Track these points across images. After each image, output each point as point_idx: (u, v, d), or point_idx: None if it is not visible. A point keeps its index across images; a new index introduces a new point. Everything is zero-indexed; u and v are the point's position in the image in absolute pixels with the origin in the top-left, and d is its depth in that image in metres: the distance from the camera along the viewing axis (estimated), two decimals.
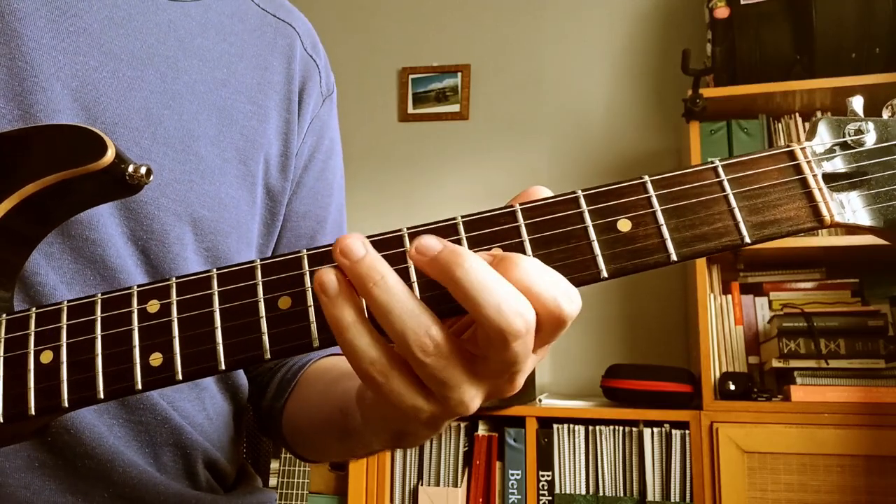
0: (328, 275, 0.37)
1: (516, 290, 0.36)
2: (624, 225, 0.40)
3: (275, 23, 0.73)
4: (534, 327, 0.36)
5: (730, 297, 2.03)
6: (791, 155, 0.41)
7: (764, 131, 2.09)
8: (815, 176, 0.40)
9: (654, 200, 0.40)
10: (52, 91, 0.55)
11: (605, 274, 0.39)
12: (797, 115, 2.09)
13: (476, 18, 2.67)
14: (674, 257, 0.39)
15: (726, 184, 0.40)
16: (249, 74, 0.68)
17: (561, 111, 2.55)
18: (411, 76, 2.68)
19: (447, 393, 0.38)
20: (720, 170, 0.40)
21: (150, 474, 0.57)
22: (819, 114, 2.07)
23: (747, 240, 0.39)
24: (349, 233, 0.38)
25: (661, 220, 0.40)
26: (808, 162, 0.41)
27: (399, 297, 0.36)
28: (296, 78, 0.72)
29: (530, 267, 0.36)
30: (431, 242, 0.37)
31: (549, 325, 0.37)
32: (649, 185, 0.40)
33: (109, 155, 0.44)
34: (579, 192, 0.41)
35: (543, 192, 0.41)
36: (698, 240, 0.39)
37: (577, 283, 0.39)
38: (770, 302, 2.02)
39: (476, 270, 0.35)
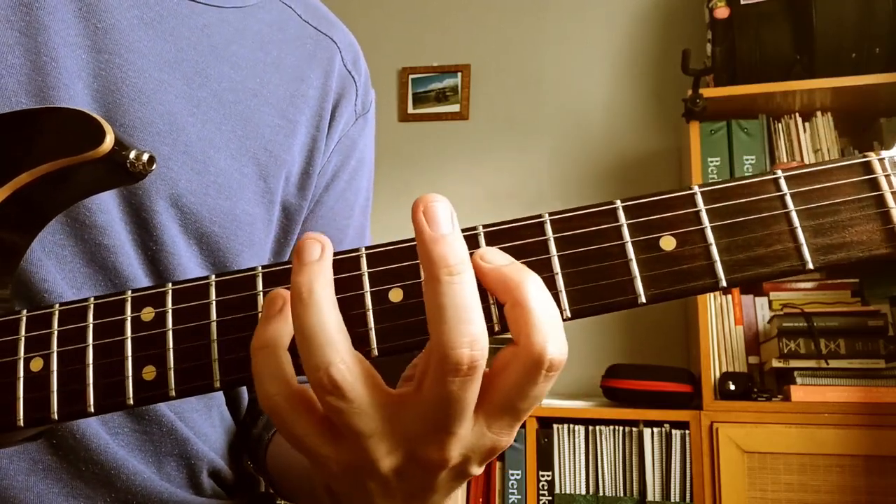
0: (279, 291, 0.35)
1: (482, 323, 0.33)
2: (667, 243, 0.35)
3: (316, 35, 0.70)
4: (478, 369, 0.32)
5: (730, 297, 2.02)
6: (867, 167, 0.36)
7: (764, 131, 2.09)
8: (893, 193, 0.35)
9: (704, 215, 0.35)
10: (74, 89, 0.53)
11: (643, 299, 0.35)
12: (797, 115, 2.08)
13: (476, 18, 2.67)
14: (723, 283, 0.34)
15: (789, 199, 0.35)
16: (283, 86, 0.65)
17: (561, 111, 2.55)
18: (411, 76, 2.68)
19: (357, 442, 0.35)
20: (782, 182, 0.35)
21: (155, 482, 0.56)
22: (819, 114, 2.07)
23: (810, 265, 0.34)
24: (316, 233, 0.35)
25: (711, 238, 0.35)
26: (888, 176, 0.35)
27: (317, 317, 0.33)
28: (331, 94, 0.69)
29: (539, 290, 0.33)
30: (443, 216, 0.33)
31: (519, 366, 0.34)
32: (699, 198, 0.36)
33: (108, 141, 0.41)
34: (618, 203, 0.36)
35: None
36: (753, 263, 0.35)
37: (612, 308, 0.35)
38: (770, 302, 2.02)
39: (463, 283, 0.32)
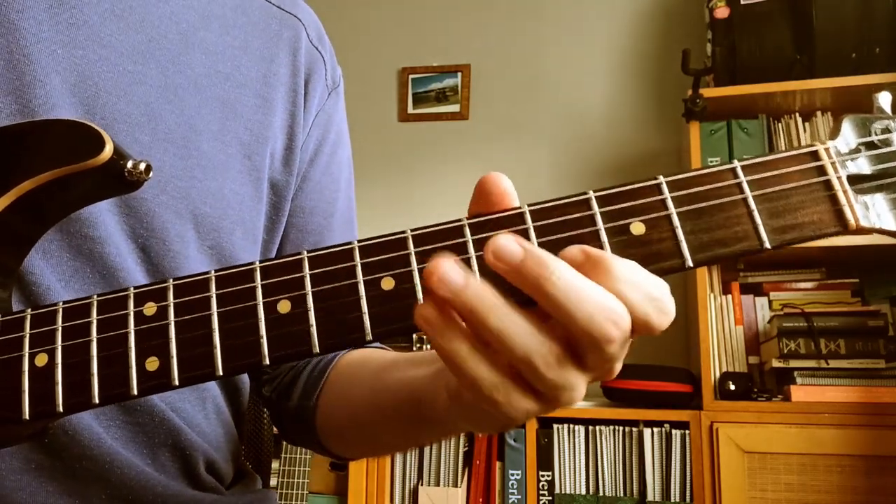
0: (428, 309, 0.35)
1: (608, 295, 0.35)
2: (637, 228, 0.38)
3: (280, 14, 0.71)
4: (629, 329, 0.35)
5: (730, 297, 2.02)
6: (814, 155, 0.39)
7: (764, 131, 2.09)
8: (839, 178, 0.39)
9: (670, 203, 0.38)
10: (51, 85, 0.53)
11: None
12: (797, 115, 2.09)
13: (476, 18, 2.67)
14: (689, 262, 0.38)
15: (745, 186, 0.38)
16: (254, 67, 0.66)
17: (561, 111, 2.55)
18: (411, 76, 2.68)
19: (560, 394, 0.37)
20: (739, 171, 0.39)
21: (149, 475, 0.56)
22: (819, 114, 2.07)
23: (767, 245, 0.38)
24: (440, 257, 0.35)
25: (677, 223, 0.38)
26: (833, 163, 0.39)
27: (516, 322, 0.35)
28: (301, 70, 0.71)
29: (623, 274, 0.35)
30: (512, 247, 0.34)
31: (638, 330, 0.36)
32: (664, 187, 0.39)
33: (107, 151, 0.43)
34: (591, 194, 0.39)
35: (505, 181, 0.40)
36: (715, 244, 0.38)
37: None
38: (770, 302, 2.02)
39: (566, 281, 0.34)
